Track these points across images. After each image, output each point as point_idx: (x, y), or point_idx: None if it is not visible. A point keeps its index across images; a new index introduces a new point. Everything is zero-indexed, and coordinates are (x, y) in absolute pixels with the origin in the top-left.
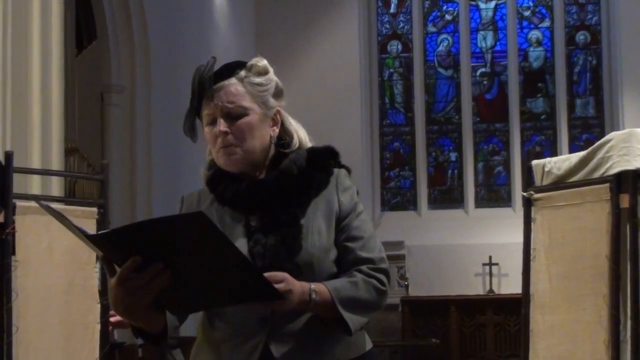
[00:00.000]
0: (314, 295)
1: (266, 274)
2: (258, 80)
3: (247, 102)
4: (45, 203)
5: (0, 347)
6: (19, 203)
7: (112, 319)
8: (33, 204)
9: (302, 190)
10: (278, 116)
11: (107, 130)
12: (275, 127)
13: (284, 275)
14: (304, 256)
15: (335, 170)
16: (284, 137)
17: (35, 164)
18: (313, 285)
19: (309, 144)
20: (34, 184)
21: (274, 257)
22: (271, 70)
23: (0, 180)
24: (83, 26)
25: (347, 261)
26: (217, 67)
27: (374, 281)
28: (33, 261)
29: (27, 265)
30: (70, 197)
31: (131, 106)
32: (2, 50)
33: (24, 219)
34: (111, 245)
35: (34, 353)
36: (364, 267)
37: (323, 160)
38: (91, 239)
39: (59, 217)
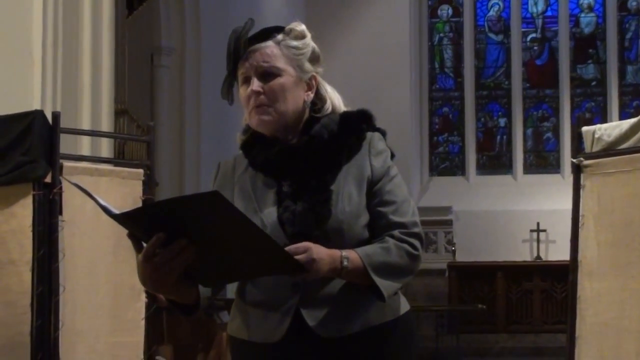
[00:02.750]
0: (345, 262)
1: (288, 247)
2: (295, 43)
3: (281, 64)
4: (74, 181)
5: (48, 307)
6: (66, 163)
7: None
8: (80, 164)
9: (333, 155)
10: (313, 81)
11: (157, 92)
12: (309, 92)
13: (307, 245)
14: (333, 223)
15: (369, 134)
16: (318, 103)
17: (85, 124)
18: (344, 252)
19: (343, 108)
20: (84, 145)
21: (303, 224)
22: (309, 35)
23: (48, 140)
24: None
25: (379, 226)
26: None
27: (407, 246)
28: (80, 222)
29: (74, 226)
30: (120, 158)
31: (180, 68)
32: (53, 11)
33: (71, 179)
34: (135, 223)
35: (81, 312)
36: (396, 232)
37: (355, 124)
38: (116, 218)
39: (87, 193)
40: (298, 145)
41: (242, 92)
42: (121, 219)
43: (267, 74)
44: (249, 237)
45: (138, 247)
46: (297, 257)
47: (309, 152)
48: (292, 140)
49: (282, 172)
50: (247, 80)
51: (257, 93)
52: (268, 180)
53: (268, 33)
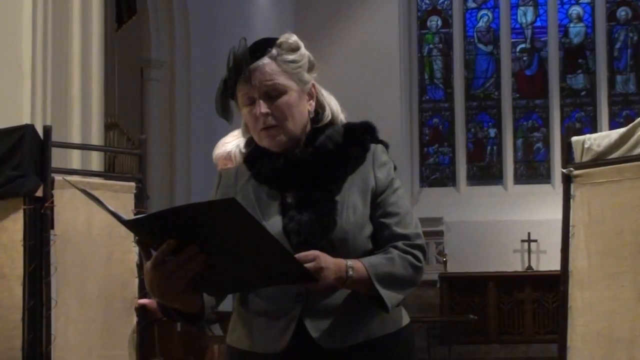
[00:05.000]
0: (350, 272)
1: (297, 255)
2: (291, 57)
3: (283, 80)
4: (82, 187)
5: (40, 320)
6: (58, 177)
7: (140, 301)
8: (71, 178)
9: (338, 166)
10: (313, 89)
11: (147, 105)
12: (311, 101)
13: (315, 253)
14: (338, 233)
15: (372, 145)
16: (317, 109)
17: (76, 138)
18: (350, 262)
19: (341, 115)
20: (74, 159)
21: (308, 233)
22: (302, 45)
23: (38, 154)
24: (123, 1)
25: (382, 237)
26: (249, 43)
27: (410, 257)
28: (72, 235)
29: (65, 239)
30: (110, 171)
31: (171, 81)
32: (42, 25)
33: (63, 193)
34: (146, 229)
35: (73, 326)
36: (399, 244)
37: (359, 136)
38: (126, 224)
39: (95, 200)
40: (303, 156)
41: (245, 112)
42: (132, 225)
43: (272, 94)
44: (261, 245)
45: (147, 255)
46: (306, 265)
47: (315, 163)
48: (297, 152)
49: (287, 183)
50: (250, 101)
51: (265, 115)
52: (271, 192)
53: (263, 48)
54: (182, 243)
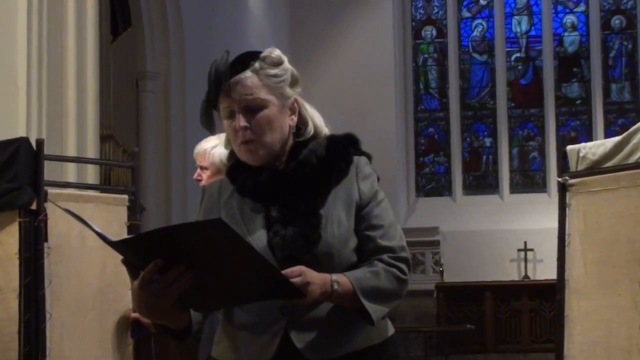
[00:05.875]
0: (335, 286)
1: (284, 271)
2: (273, 71)
3: (264, 94)
4: (66, 207)
5: (35, 333)
6: (51, 190)
7: (133, 315)
8: (65, 190)
9: (322, 180)
10: (295, 104)
11: (142, 117)
12: (293, 116)
13: (301, 268)
14: (323, 247)
15: (355, 158)
16: (300, 124)
17: (71, 151)
18: (334, 276)
19: (324, 129)
20: (70, 171)
21: (293, 248)
22: (285, 59)
23: (34, 167)
24: (118, 13)
25: (367, 250)
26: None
27: (395, 270)
28: (65, 248)
29: (59, 252)
30: (107, 184)
31: (166, 92)
32: (37, 37)
33: (56, 206)
34: (132, 249)
35: (68, 338)
36: (384, 256)
37: (342, 149)
38: (112, 245)
39: (81, 220)
40: (287, 170)
41: (226, 125)
42: (118, 246)
43: (252, 108)
44: (247, 262)
45: (133, 274)
46: (292, 280)
47: (298, 177)
48: (280, 166)
49: (271, 197)
50: (231, 114)
51: (244, 128)
52: (256, 206)
53: (245, 62)
54: (169, 262)
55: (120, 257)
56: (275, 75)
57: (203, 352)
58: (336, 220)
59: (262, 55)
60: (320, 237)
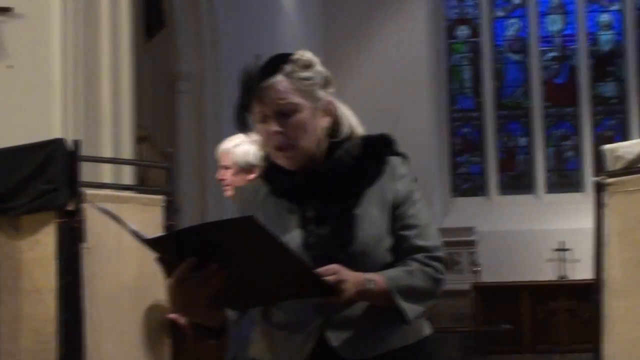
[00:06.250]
0: (370, 285)
1: (318, 269)
2: (305, 74)
3: (296, 98)
4: (101, 206)
5: (73, 334)
6: (88, 191)
7: (169, 316)
8: (102, 191)
9: (356, 180)
10: (329, 106)
11: (178, 118)
12: (327, 118)
13: (336, 267)
14: (357, 246)
15: (390, 158)
16: (334, 125)
17: (107, 151)
18: (369, 275)
19: (359, 128)
20: (106, 172)
21: (328, 247)
22: (317, 61)
23: (70, 168)
24: (152, 14)
25: (402, 250)
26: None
27: (430, 270)
28: (103, 249)
29: (97, 253)
30: (142, 184)
31: (201, 93)
32: (72, 39)
33: (93, 207)
34: (166, 248)
35: (106, 339)
36: (419, 256)
37: (377, 149)
38: (146, 243)
39: (115, 219)
40: (321, 171)
41: (260, 129)
42: (152, 244)
43: (284, 112)
44: (281, 260)
45: (168, 272)
46: (327, 278)
47: (333, 177)
48: (315, 167)
49: (306, 197)
50: (264, 119)
51: (277, 133)
52: (291, 206)
53: (276, 65)
54: (203, 260)
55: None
56: (306, 78)
57: (229, 353)
58: (370, 220)
59: (292, 57)
60: (355, 237)
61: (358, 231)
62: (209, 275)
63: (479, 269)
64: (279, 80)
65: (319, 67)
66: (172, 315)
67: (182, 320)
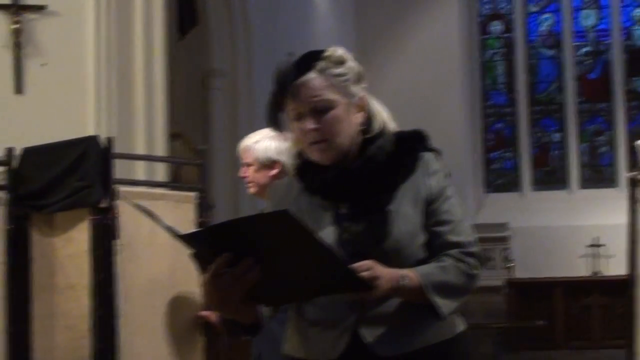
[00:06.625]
0: (404, 281)
1: (353, 265)
2: (337, 70)
3: (331, 95)
4: (135, 202)
5: (107, 331)
6: (121, 188)
7: (202, 314)
8: (135, 188)
9: (389, 176)
10: (362, 101)
11: (210, 115)
12: (360, 113)
13: (370, 263)
14: (391, 242)
15: (423, 154)
16: (367, 121)
17: (140, 148)
18: (403, 271)
19: (391, 124)
20: (140, 169)
21: (362, 244)
22: (349, 57)
23: (103, 165)
24: (185, 12)
25: (436, 245)
26: (320, 46)
27: (464, 265)
28: (136, 245)
29: (130, 249)
30: (175, 181)
31: (233, 90)
32: (106, 36)
33: (126, 203)
34: (201, 243)
35: (140, 335)
36: (453, 251)
37: (410, 145)
38: (181, 238)
39: (149, 215)
40: (354, 167)
41: (294, 127)
42: (187, 239)
43: (319, 109)
44: (316, 255)
45: (203, 268)
46: (361, 274)
47: (366, 173)
48: (348, 163)
49: (339, 194)
50: (298, 116)
51: (313, 130)
52: (324, 203)
53: (308, 62)
54: (238, 256)
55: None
56: (339, 74)
57: (255, 351)
58: (404, 216)
59: (325, 54)
60: (389, 233)
61: (392, 227)
62: (244, 271)
63: (512, 264)
64: (313, 77)
65: (352, 63)
66: (205, 313)
67: (214, 317)
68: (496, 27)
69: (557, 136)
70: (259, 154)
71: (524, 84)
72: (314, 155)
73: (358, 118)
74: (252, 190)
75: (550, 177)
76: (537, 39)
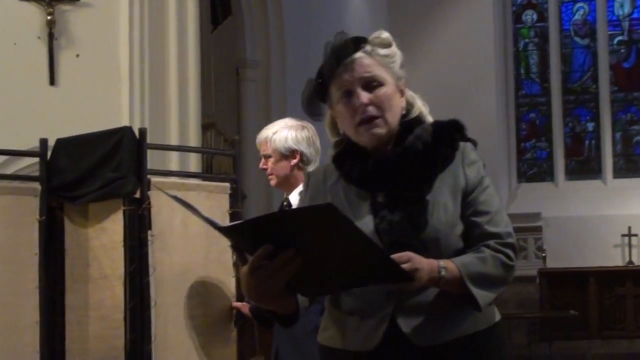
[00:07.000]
0: (443, 272)
1: (392, 256)
2: (385, 51)
3: (381, 72)
4: (173, 193)
5: (140, 321)
6: (154, 179)
7: (234, 304)
8: (168, 179)
9: (428, 166)
10: (404, 86)
11: (243, 105)
12: (402, 98)
13: (410, 254)
14: (430, 232)
15: (461, 144)
16: (406, 107)
17: (173, 139)
18: (442, 262)
19: (428, 114)
20: (173, 160)
21: (400, 233)
22: (394, 42)
23: (137, 156)
24: (218, 2)
25: (474, 236)
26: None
27: (502, 256)
28: (168, 236)
29: (163, 240)
30: (208, 172)
31: (266, 81)
32: (139, 28)
33: (159, 194)
34: (241, 235)
35: (172, 325)
36: (491, 242)
37: (448, 135)
38: (221, 230)
39: (188, 207)
40: (393, 156)
41: (342, 106)
42: (227, 231)
43: (371, 85)
44: (357, 247)
45: (242, 259)
46: (402, 266)
47: (405, 163)
48: (386, 152)
49: (377, 183)
50: (347, 94)
51: (366, 105)
52: (361, 192)
53: (356, 44)
54: (278, 247)
55: (223, 242)
56: (387, 56)
57: (276, 339)
58: (443, 206)
59: (370, 38)
60: (427, 223)
61: (431, 217)
62: (284, 262)
63: (545, 254)
64: (362, 56)
65: (396, 48)
66: (237, 304)
67: (246, 309)
68: (530, 16)
69: (590, 125)
70: (278, 145)
71: (558, 73)
72: (363, 136)
73: (402, 102)
74: (273, 182)
75: (584, 166)
76: (570, 28)
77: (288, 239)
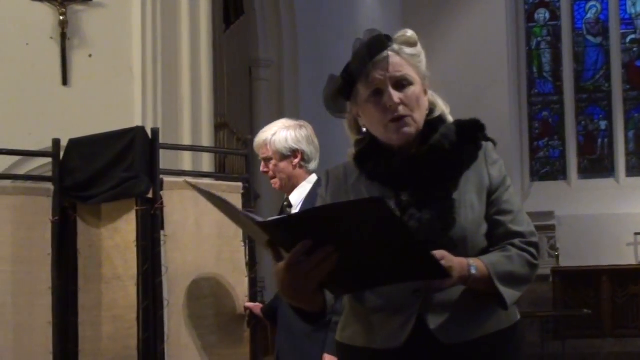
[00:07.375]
0: (473, 271)
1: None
2: (412, 50)
3: (410, 72)
4: (192, 181)
5: (153, 320)
6: (166, 179)
7: (246, 305)
8: (180, 179)
9: (454, 165)
10: (428, 85)
11: (256, 105)
12: (427, 97)
13: (443, 252)
14: (458, 231)
15: (484, 143)
16: (430, 106)
17: (186, 139)
18: (471, 261)
19: (449, 114)
20: (186, 160)
21: (429, 231)
22: (418, 41)
23: (148, 156)
24: (230, 2)
25: (497, 235)
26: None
27: (527, 255)
28: (181, 236)
29: (175, 240)
30: (221, 171)
31: (279, 80)
32: (152, 28)
33: (172, 194)
34: (281, 231)
35: (185, 325)
36: (516, 241)
37: (472, 134)
38: (261, 226)
39: (222, 202)
40: (419, 155)
41: (371, 106)
42: (266, 226)
43: (401, 84)
44: (398, 243)
45: (277, 256)
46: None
47: (432, 161)
48: (412, 150)
49: (402, 181)
50: (376, 93)
51: (397, 104)
52: (385, 191)
53: (383, 42)
54: (317, 243)
55: (236, 242)
56: (413, 55)
57: (279, 338)
58: (469, 204)
59: (396, 36)
60: (456, 222)
61: (459, 216)
62: (322, 258)
63: (558, 253)
64: (391, 55)
65: (420, 47)
66: (249, 304)
67: (257, 309)
68: (542, 15)
69: (603, 124)
70: (278, 146)
71: (570, 72)
72: (392, 134)
73: (427, 101)
74: (277, 185)
75: (597, 165)
76: (583, 26)
77: (329, 234)
